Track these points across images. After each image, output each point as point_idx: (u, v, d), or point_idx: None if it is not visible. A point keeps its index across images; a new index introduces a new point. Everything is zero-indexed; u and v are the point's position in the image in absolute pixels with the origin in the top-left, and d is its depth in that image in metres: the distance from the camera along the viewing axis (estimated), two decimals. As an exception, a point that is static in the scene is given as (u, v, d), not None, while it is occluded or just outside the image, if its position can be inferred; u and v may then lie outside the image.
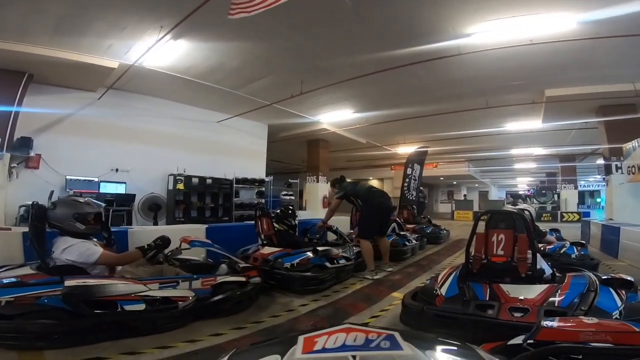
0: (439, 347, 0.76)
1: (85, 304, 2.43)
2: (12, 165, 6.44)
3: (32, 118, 6.73)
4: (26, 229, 3.99)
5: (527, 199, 21.34)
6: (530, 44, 5.49)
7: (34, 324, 2.32)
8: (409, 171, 11.28)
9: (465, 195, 28.23)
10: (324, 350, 0.70)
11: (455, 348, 0.80)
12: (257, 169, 11.18)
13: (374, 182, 24.24)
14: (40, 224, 2.82)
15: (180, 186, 8.76)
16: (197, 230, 5.27)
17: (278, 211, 5.11)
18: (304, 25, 5.39)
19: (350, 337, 0.73)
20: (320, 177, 13.22)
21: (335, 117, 10.26)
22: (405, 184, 11.03)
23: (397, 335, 0.74)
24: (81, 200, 3.02)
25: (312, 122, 10.82)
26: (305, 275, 3.89)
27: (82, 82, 7.18)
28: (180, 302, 2.76)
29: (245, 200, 10.52)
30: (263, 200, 10.84)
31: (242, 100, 8.53)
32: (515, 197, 23.11)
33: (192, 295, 2.86)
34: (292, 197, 12.43)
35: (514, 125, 10.72)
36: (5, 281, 2.53)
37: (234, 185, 10.04)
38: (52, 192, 6.55)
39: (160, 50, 5.74)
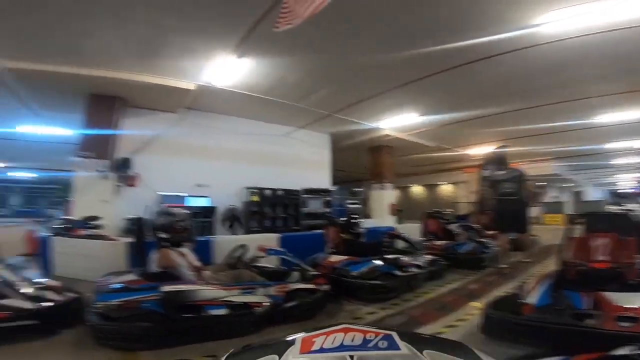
0: (436, 347, 0.74)
1: (176, 308, 2.70)
2: (117, 184, 7.41)
3: (129, 140, 7.69)
4: (130, 240, 4.70)
5: (635, 197, 18.10)
6: (621, 29, 4.80)
7: (135, 327, 2.59)
8: (485, 173, 10.42)
9: (556, 197, 25.00)
10: (321, 350, 0.70)
11: (453, 348, 0.78)
12: (322, 179, 11.35)
13: (447, 187, 22.88)
14: (142, 235, 3.26)
15: (255, 198, 9.32)
16: (271, 239, 5.64)
17: (343, 220, 5.16)
18: (354, 32, 5.36)
19: (348, 337, 0.72)
20: (385, 183, 12.90)
21: (398, 121, 9.98)
22: (482, 188, 10.18)
23: (394, 335, 0.73)
24: (168, 213, 3.43)
25: (374, 129, 10.66)
26: (373, 283, 3.87)
27: (164, 104, 7.95)
28: (257, 308, 2.95)
29: (313, 209, 10.73)
30: (329, 210, 10.99)
31: (305, 112, 8.76)
32: (620, 196, 19.79)
33: (267, 301, 3.04)
34: (358, 205, 12.39)
35: (606, 117, 9.31)
36: (115, 286, 2.91)
37: (302, 195, 10.36)
38: (146, 207, 7.50)
39: (226, 69, 6.19)
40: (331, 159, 11.91)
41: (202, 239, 5.43)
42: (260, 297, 3.04)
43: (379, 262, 4.15)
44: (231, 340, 2.72)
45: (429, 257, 5.04)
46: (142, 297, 2.71)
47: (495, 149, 11.22)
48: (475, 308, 3.55)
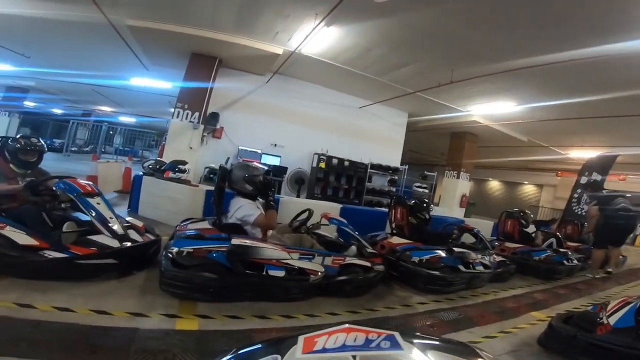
0: (439, 347, 0.73)
1: (241, 263, 2.77)
2: (204, 134, 8.24)
3: (218, 97, 8.38)
4: (209, 187, 5.02)
5: None
6: None
7: (200, 276, 2.62)
8: (583, 180, 9.05)
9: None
10: (324, 350, 0.69)
11: (456, 348, 0.78)
12: (392, 157, 11.05)
13: (530, 188, 20.59)
14: (223, 184, 3.34)
15: (322, 165, 9.49)
16: (334, 208, 5.69)
17: (412, 202, 4.91)
18: (458, 9, 4.84)
19: (350, 337, 0.71)
20: (462, 173, 12.03)
21: (491, 109, 8.99)
22: (576, 195, 8.92)
23: (397, 335, 0.72)
24: (251, 165, 3.45)
25: (460, 114, 9.83)
26: (433, 274, 3.71)
27: (255, 67, 8.44)
28: (312, 276, 2.97)
29: (377, 186, 10.58)
30: (394, 189, 10.71)
31: (385, 87, 8.47)
32: None
33: (322, 270, 3.05)
34: (426, 190, 11.83)
35: None
36: (189, 233, 3.02)
37: (369, 170, 10.22)
38: (228, 158, 8.19)
39: (315, 37, 6.18)
40: (405, 137, 11.43)
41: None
42: (316, 265, 3.06)
43: (443, 253, 3.93)
44: (281, 303, 2.80)
45: (498, 258, 4.67)
46: (211, 247, 2.75)
47: (603, 153, 9.67)
48: (537, 319, 3.31)
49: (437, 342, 0.81)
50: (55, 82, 12.80)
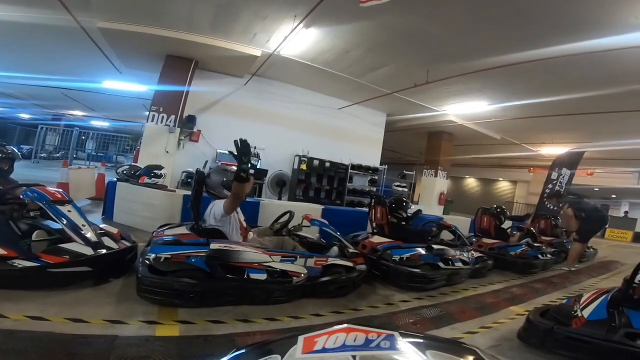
0: (439, 347, 0.73)
1: (221, 267, 2.71)
2: (180, 138, 8.07)
3: (195, 100, 8.23)
4: (187, 192, 4.91)
5: None
6: None
7: (178, 282, 2.58)
8: (554, 175, 9.50)
9: (626, 212, 22.24)
10: (324, 350, 0.69)
11: (456, 348, 0.78)
12: (372, 157, 11.18)
13: (505, 184, 21.33)
14: (200, 188, 3.26)
15: (303, 166, 9.48)
16: (315, 210, 5.70)
17: (391, 202, 4.96)
18: (433, 10, 5.00)
19: (350, 337, 0.71)
20: (439, 171, 12.36)
21: (465, 108, 9.33)
22: (547, 190, 9.35)
23: (397, 335, 0.72)
24: (229, 169, 3.37)
25: (436, 114, 10.12)
26: (413, 272, 3.76)
27: (232, 69, 8.35)
28: (294, 277, 2.95)
29: (358, 186, 10.68)
30: (374, 189, 10.84)
31: (364, 88, 8.60)
32: None
33: (304, 272, 3.03)
34: (405, 189, 12.07)
35: None
36: (166, 239, 2.95)
37: (349, 170, 10.30)
38: (206, 162, 8.04)
39: (294, 38, 6.20)
40: (384, 137, 11.61)
41: (251, 200, 5.64)
42: (299, 267, 3.04)
43: (423, 251, 4.00)
44: (264, 306, 2.77)
45: (476, 254, 4.78)
46: (190, 252, 2.72)
47: (571, 149, 10.20)
48: (515, 313, 3.40)
49: (437, 342, 0.82)
50: (22, 85, 12.21)
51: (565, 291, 4.53)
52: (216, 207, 3.14)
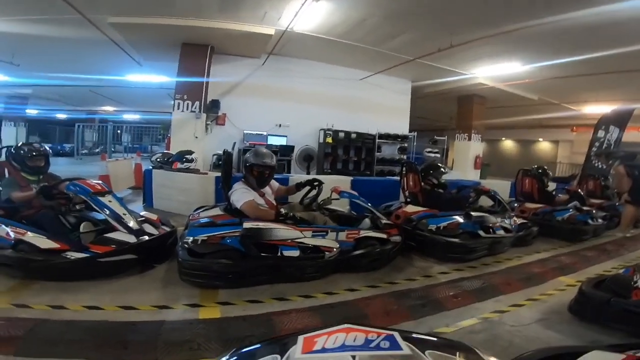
0: (438, 347, 0.73)
1: (255, 246, 2.75)
2: (207, 123, 8.20)
3: (216, 84, 8.27)
4: (218, 174, 5.00)
5: None
6: None
7: (217, 264, 2.64)
8: (600, 134, 8.79)
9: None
10: (323, 350, 0.69)
11: (455, 348, 0.78)
12: (399, 125, 10.83)
13: (545, 145, 20.01)
14: (229, 169, 3.32)
15: (329, 140, 9.40)
16: (344, 182, 5.59)
17: (424, 167, 4.75)
18: None
19: (350, 337, 0.72)
20: (473, 134, 11.78)
21: (496, 70, 8.67)
22: (594, 150, 8.65)
23: (396, 335, 0.73)
24: (256, 152, 3.34)
25: (465, 78, 9.50)
26: (452, 241, 3.61)
27: (248, 50, 8.23)
28: (327, 252, 2.92)
29: (387, 155, 10.45)
30: (405, 157, 10.55)
31: (384, 56, 8.23)
32: None
33: (337, 246, 2.99)
34: (438, 155, 11.66)
35: None
36: (202, 221, 3.02)
37: (377, 140, 10.07)
38: (234, 143, 8.16)
39: (305, 13, 5.99)
40: (411, 105, 11.17)
41: (280, 176, 5.64)
42: (330, 242, 3.00)
43: (461, 219, 3.81)
44: (298, 283, 2.78)
45: (519, 220, 4.52)
46: (224, 233, 2.75)
47: (619, 107, 9.28)
48: (565, 284, 3.19)
49: (436, 342, 0.82)
50: (51, 87, 12.82)
51: (620, 260, 4.19)
52: (234, 197, 3.14)
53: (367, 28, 6.80)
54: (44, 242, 2.65)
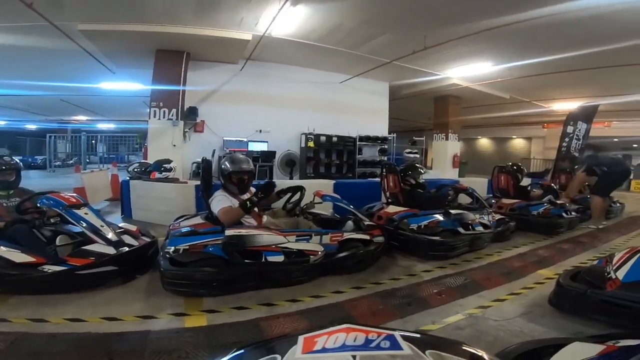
0: (439, 347, 0.73)
1: (239, 253, 2.72)
2: (185, 130, 8.05)
3: (194, 91, 8.14)
4: (198, 182, 4.94)
5: None
6: None
7: (200, 272, 2.61)
8: (569, 129, 9.21)
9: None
10: (324, 350, 0.69)
11: (456, 348, 0.79)
12: (379, 127, 11.02)
13: (519, 142, 20.79)
14: (209, 177, 3.28)
15: (311, 144, 9.46)
16: (326, 185, 5.62)
17: (403, 168, 4.81)
18: None
19: (350, 337, 0.72)
20: (450, 134, 12.15)
21: (469, 71, 9.04)
22: (564, 144, 9.07)
23: (397, 335, 0.73)
24: (232, 158, 3.31)
25: (440, 78, 9.82)
26: (433, 239, 3.67)
27: (225, 56, 8.18)
28: (311, 256, 2.92)
29: (368, 157, 10.62)
30: (385, 158, 10.73)
31: (362, 59, 8.40)
32: None
33: (321, 249, 2.99)
34: (417, 156, 11.91)
35: None
36: (183, 230, 2.98)
37: (357, 142, 10.21)
38: (214, 151, 8.05)
39: (282, 18, 6.02)
40: (390, 106, 11.40)
41: (263, 182, 5.60)
42: (315, 245, 3.01)
43: (441, 217, 3.89)
44: (284, 288, 2.77)
45: (497, 216, 4.63)
46: (206, 241, 2.73)
47: (584, 103, 9.81)
48: (544, 277, 3.29)
49: (437, 341, 0.82)
50: (18, 97, 12.30)
51: (595, 251, 4.32)
52: (213, 205, 3.12)
53: (344, 32, 6.89)
54: (18, 257, 2.57)
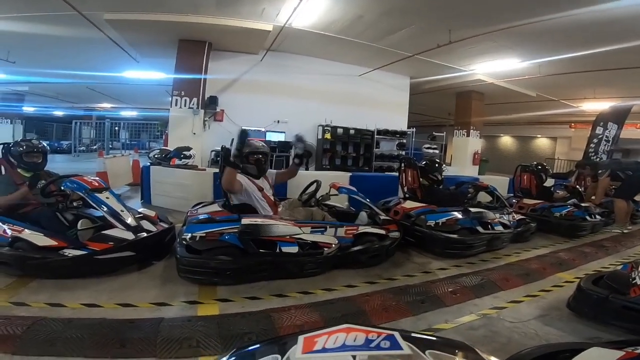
0: (439, 347, 0.73)
1: (254, 242, 2.73)
2: (205, 119, 8.18)
3: (214, 80, 8.25)
4: (217, 170, 4.99)
5: None
6: None
7: (215, 260, 2.62)
8: (598, 130, 8.81)
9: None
10: (324, 350, 0.69)
11: (455, 348, 0.79)
12: (398, 121, 10.86)
13: (543, 141, 20.02)
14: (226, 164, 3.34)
15: (328, 136, 9.43)
16: (342, 177, 5.61)
17: (423, 164, 4.71)
18: None
19: (350, 337, 0.72)
20: (471, 131, 11.82)
21: (494, 67, 8.73)
22: (592, 146, 8.67)
23: (397, 335, 0.73)
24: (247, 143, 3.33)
25: (463, 74, 9.54)
26: (450, 237, 3.59)
27: (246, 46, 8.21)
28: (325, 248, 2.90)
29: (385, 151, 10.49)
30: (403, 152, 10.56)
31: (383, 52, 8.25)
32: None
33: (335, 242, 2.97)
34: (436, 151, 11.65)
35: None
36: (200, 217, 3.01)
37: (375, 136, 10.09)
38: (232, 140, 8.07)
39: (303, 9, 5.98)
40: (410, 101, 11.19)
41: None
42: (329, 238, 2.99)
43: (459, 215, 3.79)
44: (297, 280, 2.77)
45: (517, 216, 4.50)
46: (223, 229, 2.73)
47: (616, 104, 9.29)
48: (564, 280, 3.18)
49: (437, 342, 0.82)
50: (47, 84, 12.73)
51: (618, 256, 4.16)
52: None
53: (365, 24, 6.78)
54: (41, 240, 2.63)
